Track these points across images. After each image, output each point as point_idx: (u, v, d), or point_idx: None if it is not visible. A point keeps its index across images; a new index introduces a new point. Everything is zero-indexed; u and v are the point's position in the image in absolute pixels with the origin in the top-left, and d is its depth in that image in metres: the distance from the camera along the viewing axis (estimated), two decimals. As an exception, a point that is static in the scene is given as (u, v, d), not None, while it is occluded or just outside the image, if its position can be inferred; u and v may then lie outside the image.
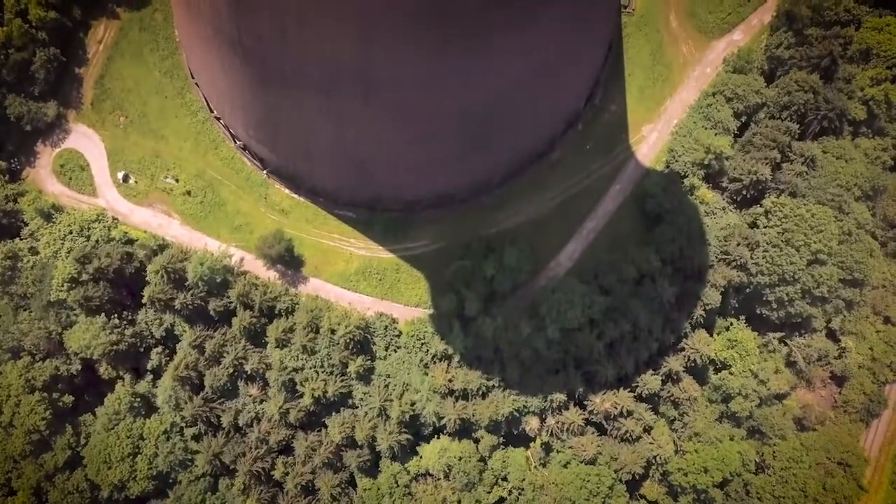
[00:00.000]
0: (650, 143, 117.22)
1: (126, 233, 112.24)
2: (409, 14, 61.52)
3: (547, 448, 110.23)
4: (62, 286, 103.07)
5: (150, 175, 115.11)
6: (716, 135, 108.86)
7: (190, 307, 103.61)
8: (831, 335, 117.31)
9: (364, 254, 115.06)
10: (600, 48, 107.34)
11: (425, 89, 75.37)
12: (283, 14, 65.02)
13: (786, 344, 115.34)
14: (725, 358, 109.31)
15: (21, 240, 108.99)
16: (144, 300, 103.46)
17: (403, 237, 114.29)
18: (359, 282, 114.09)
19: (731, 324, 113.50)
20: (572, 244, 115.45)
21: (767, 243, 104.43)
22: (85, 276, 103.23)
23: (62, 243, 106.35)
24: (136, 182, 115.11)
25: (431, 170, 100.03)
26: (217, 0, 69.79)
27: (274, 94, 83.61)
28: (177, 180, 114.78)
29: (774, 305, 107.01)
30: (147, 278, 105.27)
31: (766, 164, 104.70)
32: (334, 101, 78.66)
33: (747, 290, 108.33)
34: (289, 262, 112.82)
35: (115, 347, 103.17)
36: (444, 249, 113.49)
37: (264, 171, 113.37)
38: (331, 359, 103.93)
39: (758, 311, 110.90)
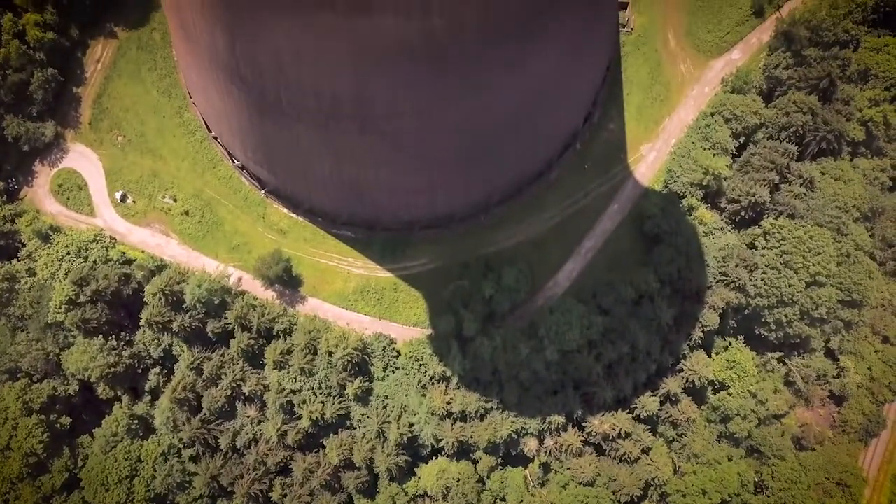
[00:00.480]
0: (649, 163, 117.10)
1: (124, 253, 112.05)
2: (406, 54, 61.42)
3: (545, 468, 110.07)
4: (59, 308, 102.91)
5: (147, 194, 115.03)
6: (714, 155, 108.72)
7: (188, 329, 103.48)
8: (830, 354, 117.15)
9: (362, 273, 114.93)
10: (599, 69, 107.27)
11: (422, 122, 75.32)
12: (279, 50, 64.94)
13: (784, 364, 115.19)
14: (724, 379, 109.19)
15: (19, 261, 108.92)
16: (142, 323, 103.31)
17: (402, 256, 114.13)
18: (357, 301, 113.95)
19: (730, 343, 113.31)
20: (571, 263, 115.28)
21: (766, 265, 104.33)
22: (82, 298, 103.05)
23: (60, 264, 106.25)
24: (133, 201, 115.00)
25: (429, 194, 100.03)
26: (214, 33, 69.69)
27: (271, 123, 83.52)
28: (175, 200, 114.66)
29: (773, 327, 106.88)
30: (145, 299, 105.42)
31: (765, 185, 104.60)
32: (332, 133, 78.60)
33: (746, 312, 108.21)
34: (287, 281, 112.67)
35: (112, 370, 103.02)
36: (442, 269, 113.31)
37: (262, 191, 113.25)
38: (329, 381, 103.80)
39: (756, 332, 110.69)
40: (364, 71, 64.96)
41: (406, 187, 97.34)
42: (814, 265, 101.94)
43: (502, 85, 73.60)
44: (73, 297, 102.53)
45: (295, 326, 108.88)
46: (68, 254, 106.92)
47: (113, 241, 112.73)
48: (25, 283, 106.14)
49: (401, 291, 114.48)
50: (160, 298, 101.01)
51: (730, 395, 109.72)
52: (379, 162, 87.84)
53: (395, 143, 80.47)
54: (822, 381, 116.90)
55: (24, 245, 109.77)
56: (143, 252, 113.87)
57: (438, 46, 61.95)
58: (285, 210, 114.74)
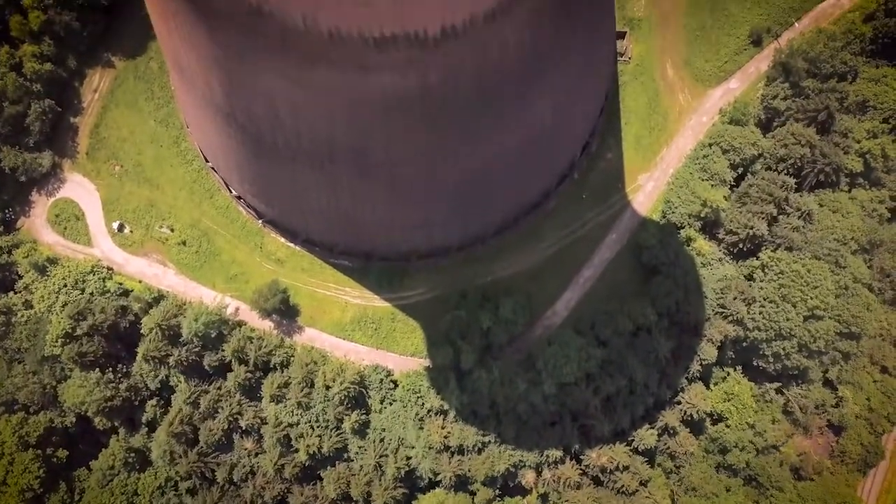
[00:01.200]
0: (647, 192, 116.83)
1: (121, 283, 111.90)
2: (402, 108, 61.28)
3: (544, 499, 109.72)
4: (56, 342, 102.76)
5: (145, 224, 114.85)
6: (712, 187, 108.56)
7: (185, 363, 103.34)
8: (829, 384, 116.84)
9: (359, 303, 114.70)
10: (597, 101, 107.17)
11: (419, 169, 75.35)
12: (275, 100, 64.80)
13: (783, 394, 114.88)
14: (722, 411, 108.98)
15: (15, 293, 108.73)
16: (139, 358, 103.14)
17: (399, 286, 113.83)
18: (354, 331, 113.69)
19: (728, 374, 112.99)
20: (569, 293, 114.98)
21: (764, 298, 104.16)
22: (79, 332, 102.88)
23: (57, 297, 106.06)
24: (131, 231, 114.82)
25: (426, 229, 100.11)
26: (210, 80, 69.55)
27: (267, 161, 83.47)
28: (172, 230, 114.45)
29: (771, 359, 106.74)
30: (142, 331, 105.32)
31: (763, 218, 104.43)
32: (328, 174, 78.53)
33: (744, 344, 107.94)
34: (284, 311, 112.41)
35: (109, 403, 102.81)
36: (439, 298, 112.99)
37: (260, 221, 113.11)
38: (326, 414, 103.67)
39: (754, 363, 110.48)
40: (360, 123, 64.89)
41: (403, 223, 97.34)
42: (812, 299, 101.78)
43: (500, 133, 73.58)
44: (70, 331, 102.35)
45: (292, 358, 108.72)
46: (65, 286, 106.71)
47: (110, 271, 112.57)
48: (22, 315, 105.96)
49: (398, 321, 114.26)
50: (157, 333, 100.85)
51: (728, 427, 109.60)
52: (375, 200, 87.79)
53: (392, 185, 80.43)
54: (820, 411, 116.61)
55: (20, 277, 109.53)
56: (140, 282, 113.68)
57: (435, 101, 61.85)
58: (283, 240, 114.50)
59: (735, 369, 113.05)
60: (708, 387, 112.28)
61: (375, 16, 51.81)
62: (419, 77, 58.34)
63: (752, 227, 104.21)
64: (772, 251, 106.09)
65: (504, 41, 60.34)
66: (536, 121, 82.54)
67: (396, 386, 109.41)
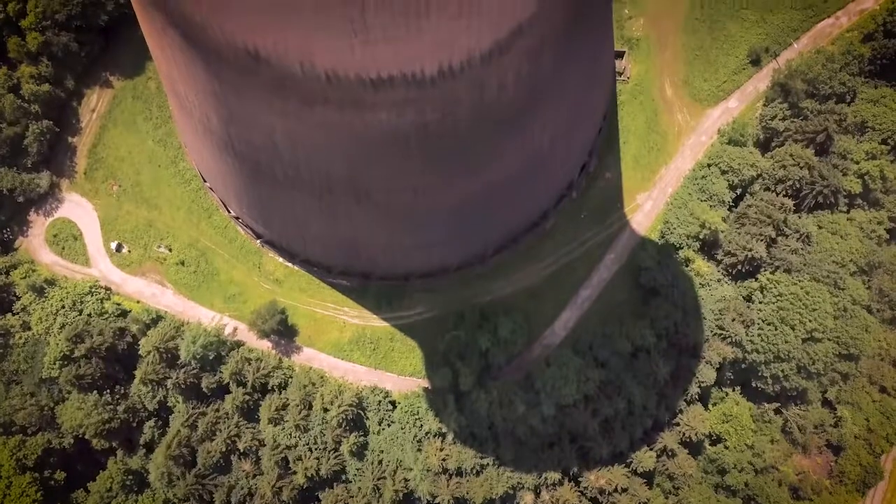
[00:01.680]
0: (645, 212, 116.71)
1: (119, 304, 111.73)
2: (400, 143, 61.24)
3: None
4: (54, 364, 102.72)
5: (143, 244, 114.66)
6: (710, 207, 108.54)
7: (183, 385, 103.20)
8: (827, 404, 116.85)
9: (357, 322, 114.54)
10: (596, 122, 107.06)
11: (417, 198, 75.24)
12: (274, 134, 64.72)
13: (781, 414, 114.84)
14: (720, 432, 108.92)
15: (13, 315, 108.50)
16: (137, 380, 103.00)
17: (398, 306, 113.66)
18: (352, 351, 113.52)
19: (727, 394, 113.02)
20: (567, 312, 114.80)
21: (762, 321, 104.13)
22: (77, 354, 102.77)
23: (54, 318, 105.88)
24: (129, 251, 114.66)
25: (425, 251, 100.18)
26: (207, 109, 69.44)
27: (266, 189, 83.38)
28: (170, 249, 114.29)
29: (770, 381, 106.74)
30: (140, 353, 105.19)
31: (761, 240, 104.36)
32: (327, 203, 78.43)
33: (742, 366, 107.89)
34: (282, 331, 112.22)
35: (107, 425, 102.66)
36: (438, 318, 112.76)
37: (258, 241, 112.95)
38: (324, 436, 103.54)
39: (753, 384, 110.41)
40: (359, 157, 64.87)
41: (401, 247, 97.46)
42: (810, 321, 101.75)
43: (498, 162, 73.66)
44: (68, 353, 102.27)
45: (290, 379, 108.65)
46: (63, 307, 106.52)
47: (108, 291, 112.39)
48: (20, 337, 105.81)
49: (396, 341, 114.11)
50: (154, 356, 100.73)
51: (726, 447, 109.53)
52: (373, 227, 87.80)
53: (390, 213, 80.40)
54: (819, 431, 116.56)
55: (18, 298, 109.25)
56: (138, 302, 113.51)
57: (432, 137, 61.78)
58: (281, 259, 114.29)
59: (734, 389, 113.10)
60: (706, 407, 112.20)
61: (373, 58, 51.72)
62: (416, 114, 58.27)
63: (750, 250, 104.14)
64: (770, 273, 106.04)
65: (502, 78, 60.30)
66: (535, 149, 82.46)
67: (395, 407, 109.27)
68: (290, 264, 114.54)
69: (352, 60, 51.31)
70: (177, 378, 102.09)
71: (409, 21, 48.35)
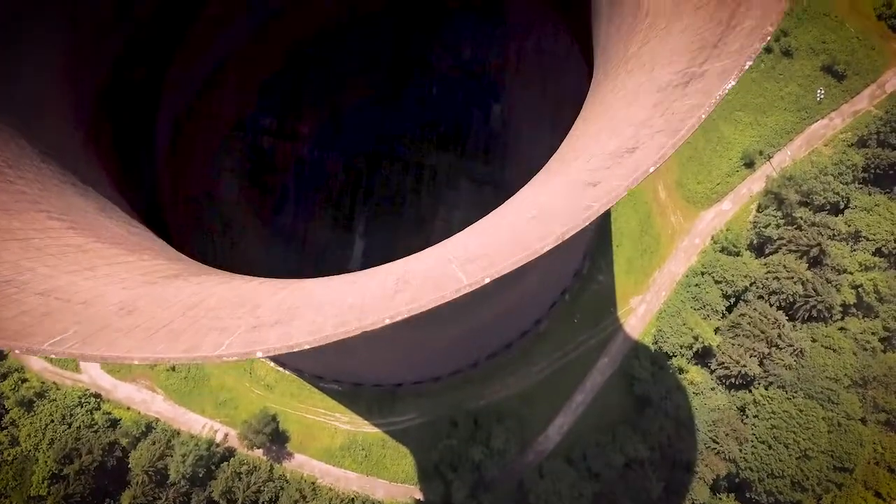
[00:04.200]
0: (639, 316, 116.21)
1: (109, 413, 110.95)
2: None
3: None
4: (42, 483, 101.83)
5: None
6: (703, 318, 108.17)
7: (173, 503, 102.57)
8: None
9: (349, 428, 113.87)
10: (588, 242, 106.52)
11: (401, 350, 74.65)
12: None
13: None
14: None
15: (1, 430, 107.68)
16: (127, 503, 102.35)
17: (389, 412, 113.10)
18: (344, 458, 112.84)
19: (721, 500, 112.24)
20: (561, 417, 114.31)
21: (756, 438, 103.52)
22: (67, 471, 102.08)
23: (43, 434, 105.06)
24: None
25: (415, 369, 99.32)
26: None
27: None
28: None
29: (763, 495, 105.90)
30: (129, 469, 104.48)
31: (754, 356, 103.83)
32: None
33: (736, 480, 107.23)
34: (274, 438, 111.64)
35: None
36: (430, 423, 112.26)
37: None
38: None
39: (747, 495, 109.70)
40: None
41: (391, 367, 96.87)
42: (804, 440, 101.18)
43: (489, 309, 73.00)
44: (57, 472, 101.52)
45: (281, 491, 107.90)
46: (52, 421, 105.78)
47: (98, 400, 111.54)
48: (8, 454, 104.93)
49: (388, 447, 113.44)
50: (144, 479, 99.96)
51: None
52: (361, 362, 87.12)
53: (374, 361, 79.81)
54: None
55: (7, 411, 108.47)
56: (128, 409, 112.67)
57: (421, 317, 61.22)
58: (272, 364, 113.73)
59: (728, 495, 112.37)
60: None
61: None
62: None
63: (744, 366, 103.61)
64: (764, 388, 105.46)
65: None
66: (526, 291, 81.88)
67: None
68: (281, 369, 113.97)
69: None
70: (166, 498, 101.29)
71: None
